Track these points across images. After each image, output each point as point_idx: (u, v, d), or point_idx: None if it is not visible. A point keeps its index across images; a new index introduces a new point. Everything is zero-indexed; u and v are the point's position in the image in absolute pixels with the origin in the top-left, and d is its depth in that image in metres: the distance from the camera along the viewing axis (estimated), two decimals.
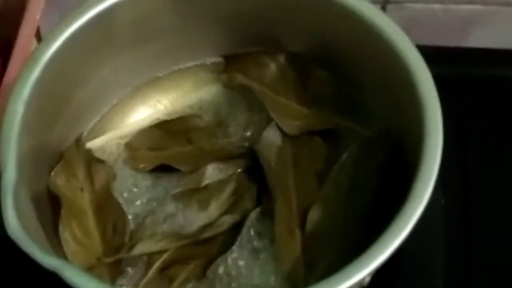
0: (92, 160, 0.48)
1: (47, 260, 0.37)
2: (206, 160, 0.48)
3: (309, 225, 0.44)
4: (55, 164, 0.47)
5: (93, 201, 0.46)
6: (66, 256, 0.43)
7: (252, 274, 0.44)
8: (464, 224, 0.50)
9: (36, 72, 0.44)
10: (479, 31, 0.59)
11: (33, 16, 0.53)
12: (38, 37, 0.55)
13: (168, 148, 0.49)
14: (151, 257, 0.44)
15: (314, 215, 0.44)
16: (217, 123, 0.50)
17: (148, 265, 0.44)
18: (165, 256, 0.44)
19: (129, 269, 0.45)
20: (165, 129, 0.49)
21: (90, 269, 0.43)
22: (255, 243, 0.45)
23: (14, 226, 0.38)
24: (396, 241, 0.37)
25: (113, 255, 0.44)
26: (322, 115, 0.48)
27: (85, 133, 0.50)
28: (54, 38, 0.45)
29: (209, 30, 0.50)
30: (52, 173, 0.46)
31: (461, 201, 0.51)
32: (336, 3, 0.46)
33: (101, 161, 0.48)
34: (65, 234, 0.44)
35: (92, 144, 0.49)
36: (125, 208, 0.47)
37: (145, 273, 0.44)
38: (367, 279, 0.40)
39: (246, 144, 0.49)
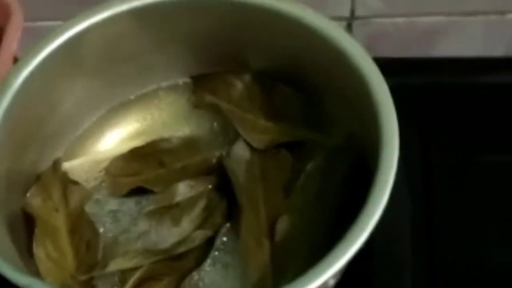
0: (67, 182, 0.49)
1: (19, 278, 0.39)
2: (178, 180, 0.49)
3: (278, 235, 0.45)
4: (30, 185, 0.48)
5: (68, 221, 0.47)
6: (40, 274, 0.44)
7: (224, 287, 0.45)
8: (431, 228, 0.51)
9: (7, 98, 0.45)
10: (443, 41, 0.60)
11: (9, 47, 0.54)
12: None
13: (142, 173, 0.50)
14: (124, 274, 0.45)
15: (282, 225, 0.45)
16: (186, 143, 0.51)
17: (122, 283, 0.45)
18: (138, 273, 0.45)
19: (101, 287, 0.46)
20: (137, 155, 0.51)
21: (62, 286, 0.44)
22: (227, 257, 0.46)
23: None
24: (354, 247, 0.38)
25: (86, 272, 0.45)
26: (287, 129, 0.49)
27: (60, 155, 0.51)
28: (24, 64, 0.46)
29: (178, 52, 0.52)
30: (28, 195, 0.47)
31: (428, 206, 0.52)
32: (297, 23, 0.47)
33: (76, 183, 0.49)
34: (38, 252, 0.45)
35: (67, 166, 0.51)
36: (99, 228, 0.48)
37: None
38: (331, 282, 0.41)
39: (216, 161, 0.50)
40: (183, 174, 0.50)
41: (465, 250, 0.50)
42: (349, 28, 0.59)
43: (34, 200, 0.47)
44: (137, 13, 0.49)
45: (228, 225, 0.47)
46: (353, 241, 0.38)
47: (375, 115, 0.43)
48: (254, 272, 0.44)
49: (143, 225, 0.47)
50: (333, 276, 0.39)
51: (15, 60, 0.56)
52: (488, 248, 0.50)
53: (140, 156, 0.51)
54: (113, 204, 0.50)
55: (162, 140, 0.51)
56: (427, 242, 0.50)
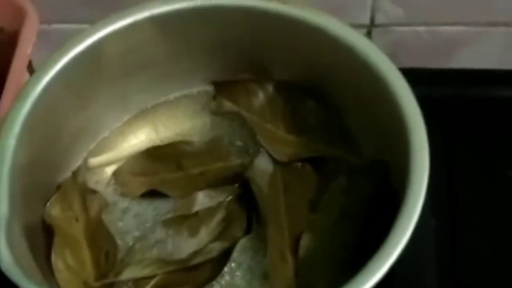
0: (86, 191, 0.48)
1: None
2: (195, 186, 0.48)
3: (301, 251, 0.44)
4: (49, 194, 0.47)
5: (87, 231, 0.46)
6: (58, 285, 0.44)
7: None
8: (455, 243, 0.50)
9: (27, 106, 0.45)
10: (464, 52, 0.60)
11: (24, 50, 0.53)
12: (31, 70, 0.55)
13: (158, 174, 0.49)
14: (138, 283, 0.45)
15: (306, 241, 0.44)
16: (208, 149, 0.50)
17: None
18: (152, 282, 0.45)
19: None
20: (154, 155, 0.50)
21: None
22: (244, 270, 0.46)
23: (7, 261, 0.39)
24: (385, 266, 0.38)
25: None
26: (310, 144, 0.49)
27: (78, 164, 0.50)
28: (44, 72, 0.46)
29: (198, 59, 0.51)
30: (48, 205, 0.47)
31: (451, 220, 0.51)
32: (322, 32, 0.46)
33: (94, 192, 0.49)
34: (57, 263, 0.45)
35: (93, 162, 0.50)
36: (116, 235, 0.47)
37: None
38: None
39: (236, 170, 0.49)
40: (202, 181, 0.49)
41: (490, 265, 0.49)
42: (368, 36, 0.59)
43: (54, 210, 0.47)
44: (156, 21, 0.48)
45: (246, 238, 0.47)
46: (385, 260, 0.38)
47: (404, 133, 0.42)
48: (278, 286, 0.44)
49: (159, 233, 0.47)
50: None
51: (30, 64, 0.55)
52: None
53: (158, 157, 0.50)
54: (132, 208, 0.49)
55: (184, 142, 0.50)
56: (451, 258, 0.50)
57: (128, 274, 0.45)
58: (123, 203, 0.49)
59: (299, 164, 0.48)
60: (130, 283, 0.45)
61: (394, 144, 0.43)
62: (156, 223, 0.47)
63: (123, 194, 0.49)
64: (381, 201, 0.44)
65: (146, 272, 0.45)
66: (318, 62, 0.48)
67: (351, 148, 0.48)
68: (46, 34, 0.57)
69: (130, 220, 0.49)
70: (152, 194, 0.49)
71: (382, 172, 0.45)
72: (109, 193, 0.49)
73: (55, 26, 0.60)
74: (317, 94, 0.49)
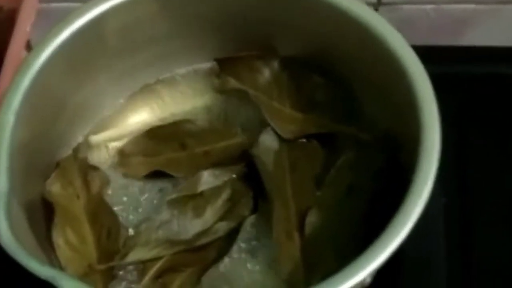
0: (87, 168, 0.48)
1: (41, 269, 0.37)
2: (200, 165, 0.47)
3: (308, 228, 0.44)
4: (49, 172, 0.46)
5: (88, 208, 0.46)
6: (59, 262, 0.43)
7: (249, 279, 0.44)
8: (465, 222, 0.50)
9: (26, 82, 0.44)
10: (473, 29, 0.59)
11: (23, 29, 0.53)
12: (29, 49, 0.54)
13: (161, 154, 0.49)
14: (145, 264, 0.44)
15: (312, 218, 0.44)
16: (211, 128, 0.49)
17: (143, 273, 0.44)
18: (159, 263, 0.44)
19: (123, 276, 0.44)
20: (157, 135, 0.49)
21: (83, 276, 0.43)
22: (251, 249, 0.45)
23: (6, 237, 0.38)
24: (395, 243, 0.37)
25: (107, 261, 0.44)
26: (317, 120, 0.48)
27: (79, 142, 0.49)
28: (43, 48, 0.45)
29: (202, 35, 0.50)
30: (48, 181, 0.46)
31: (461, 199, 0.50)
32: (330, 5, 0.45)
33: (96, 168, 0.48)
34: (58, 240, 0.44)
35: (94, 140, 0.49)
36: (120, 215, 0.46)
37: (139, 281, 0.44)
38: (368, 280, 0.39)
39: (241, 148, 0.48)
40: (206, 159, 0.48)
41: (500, 244, 0.49)
42: None
43: (54, 187, 0.46)
44: None
45: (253, 216, 0.46)
46: (395, 236, 0.37)
47: (415, 108, 0.41)
48: (285, 263, 0.43)
49: (165, 213, 0.46)
50: (371, 274, 0.37)
51: (28, 43, 0.54)
52: None
53: (161, 136, 0.49)
54: (136, 188, 0.48)
55: (187, 121, 0.50)
56: (461, 237, 0.49)
57: (134, 256, 0.44)
58: (126, 180, 0.48)
59: (305, 140, 0.47)
60: (136, 266, 0.44)
61: (405, 120, 0.42)
62: (161, 203, 0.46)
63: (126, 175, 0.48)
64: (389, 177, 0.43)
65: (152, 253, 0.44)
66: (325, 37, 0.47)
67: (360, 124, 0.47)
68: (46, 13, 0.56)
69: (133, 197, 0.48)
70: (155, 173, 0.48)
71: (391, 147, 0.44)
72: (111, 170, 0.49)
73: (54, 5, 0.59)
74: (325, 70, 0.48)
